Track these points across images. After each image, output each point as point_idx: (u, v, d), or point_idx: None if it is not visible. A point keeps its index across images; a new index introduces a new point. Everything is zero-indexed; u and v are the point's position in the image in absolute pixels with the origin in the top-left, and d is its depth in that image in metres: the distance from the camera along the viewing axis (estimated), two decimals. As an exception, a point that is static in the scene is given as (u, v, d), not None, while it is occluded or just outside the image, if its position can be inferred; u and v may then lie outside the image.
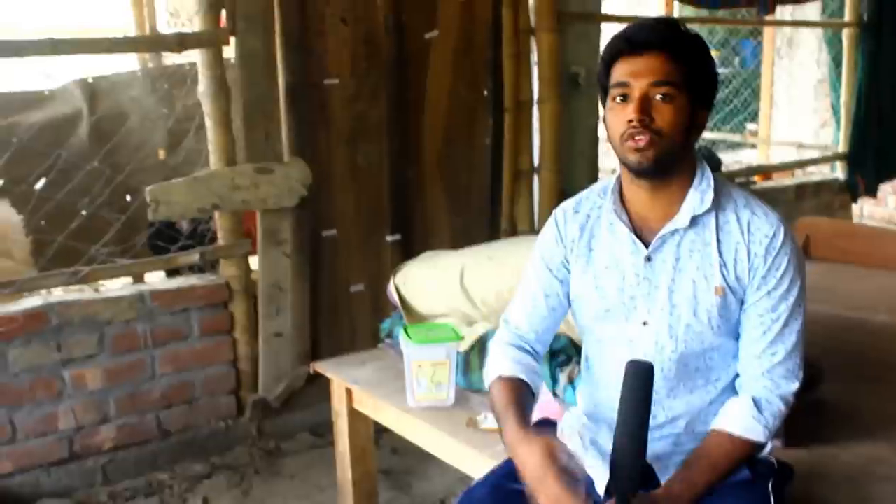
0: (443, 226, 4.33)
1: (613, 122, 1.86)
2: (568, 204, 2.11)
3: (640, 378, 1.67)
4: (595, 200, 2.07)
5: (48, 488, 3.51)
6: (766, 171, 6.68)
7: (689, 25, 1.91)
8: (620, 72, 1.83)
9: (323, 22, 3.80)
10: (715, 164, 6.66)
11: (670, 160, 1.85)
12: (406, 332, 2.85)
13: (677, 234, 1.92)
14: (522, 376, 2.04)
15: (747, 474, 1.92)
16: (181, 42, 3.62)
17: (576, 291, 2.06)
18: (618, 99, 1.84)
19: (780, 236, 1.89)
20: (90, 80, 5.13)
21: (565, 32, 4.61)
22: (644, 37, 1.81)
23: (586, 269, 2.02)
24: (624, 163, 1.89)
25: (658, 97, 1.80)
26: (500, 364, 2.07)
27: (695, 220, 1.91)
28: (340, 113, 3.92)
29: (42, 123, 4.76)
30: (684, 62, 1.81)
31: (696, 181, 1.92)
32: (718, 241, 1.90)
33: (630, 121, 1.80)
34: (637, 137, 1.81)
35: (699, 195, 1.90)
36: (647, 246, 1.93)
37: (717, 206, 1.92)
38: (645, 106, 1.80)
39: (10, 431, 3.42)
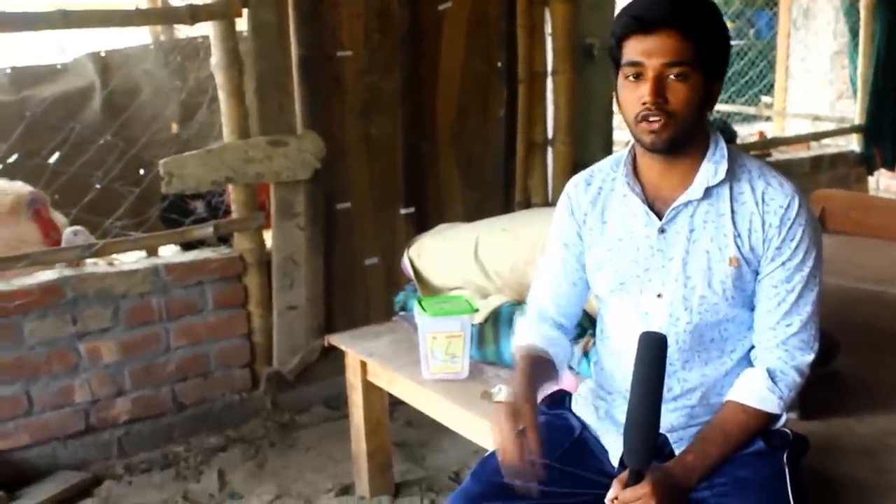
0: (456, 198, 4.32)
1: (627, 100, 1.83)
2: (580, 177, 2.10)
3: (653, 350, 1.67)
4: (608, 172, 2.05)
5: (64, 460, 3.53)
6: (767, 146, 6.62)
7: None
8: (632, 50, 1.79)
9: (336, -7, 3.78)
10: (729, 137, 6.61)
11: (685, 137, 1.83)
12: (420, 305, 2.85)
13: (691, 206, 1.90)
14: (538, 343, 2.08)
15: (762, 445, 1.90)
16: (193, 14, 3.59)
17: (591, 264, 2.05)
18: (630, 77, 1.80)
19: (795, 206, 1.87)
20: (103, 54, 5.14)
21: (579, 3, 4.56)
22: (655, 14, 1.76)
23: (600, 241, 2.02)
24: (638, 141, 1.88)
25: (672, 76, 1.77)
26: (521, 336, 2.13)
27: (709, 191, 1.89)
28: (354, 85, 3.90)
29: (55, 97, 4.77)
30: (697, 37, 1.76)
31: (709, 152, 1.90)
32: (733, 211, 1.89)
33: (644, 102, 1.78)
34: (651, 119, 1.79)
35: (713, 166, 1.89)
36: (660, 217, 1.92)
37: (732, 176, 1.90)
38: (659, 87, 1.77)
39: (26, 404, 3.44)
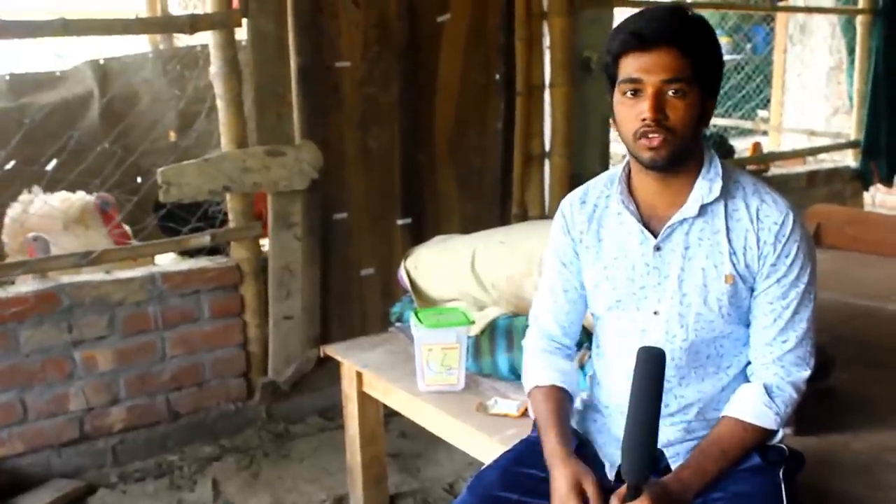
0: (453, 210, 4.33)
1: (625, 116, 1.84)
2: (574, 195, 2.11)
3: (652, 365, 1.67)
4: (602, 190, 2.06)
5: (58, 468, 3.52)
6: (763, 160, 6.63)
7: (701, 11, 1.89)
8: (630, 67, 1.80)
9: (335, 4, 3.79)
10: (726, 152, 6.62)
11: (682, 154, 1.84)
12: (417, 316, 2.84)
13: (686, 223, 1.91)
14: (559, 383, 2.06)
15: (758, 461, 1.91)
16: (193, 24, 3.60)
17: (588, 282, 2.06)
18: (628, 93, 1.81)
19: (790, 223, 1.88)
20: (102, 62, 5.13)
21: (578, 16, 4.58)
22: (654, 31, 1.77)
23: (596, 259, 2.02)
24: (635, 158, 1.88)
25: (670, 93, 1.78)
26: (537, 373, 2.10)
27: (704, 209, 1.90)
28: (352, 96, 3.90)
29: (54, 104, 4.76)
30: (694, 54, 1.78)
31: (704, 170, 1.91)
32: (728, 228, 1.90)
33: (644, 119, 1.79)
34: (650, 136, 1.80)
35: (707, 184, 1.90)
36: (655, 235, 1.92)
37: (726, 193, 1.91)
38: (659, 103, 1.78)
39: (21, 412, 3.43)
